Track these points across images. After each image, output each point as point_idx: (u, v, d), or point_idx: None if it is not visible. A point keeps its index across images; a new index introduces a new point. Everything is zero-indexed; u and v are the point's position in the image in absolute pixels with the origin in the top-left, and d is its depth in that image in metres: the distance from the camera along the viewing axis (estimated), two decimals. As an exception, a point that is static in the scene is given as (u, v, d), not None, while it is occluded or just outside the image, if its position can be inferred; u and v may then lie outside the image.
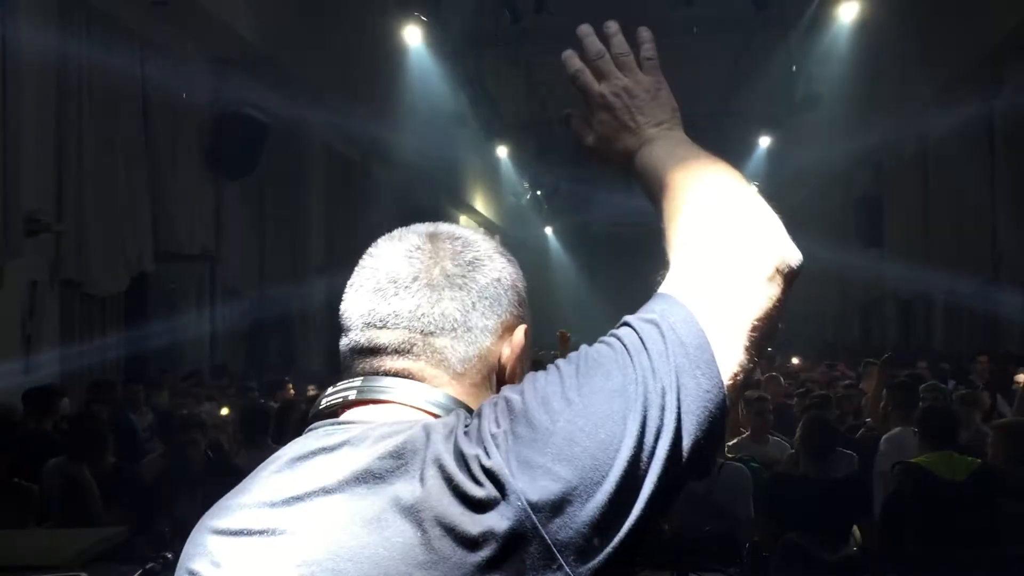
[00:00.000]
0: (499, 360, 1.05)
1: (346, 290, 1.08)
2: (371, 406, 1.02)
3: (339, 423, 1.02)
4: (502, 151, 21.70)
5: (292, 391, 9.28)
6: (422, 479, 0.89)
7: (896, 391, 6.13)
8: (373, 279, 1.05)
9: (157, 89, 10.53)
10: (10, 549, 3.57)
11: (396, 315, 1.02)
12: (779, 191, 27.34)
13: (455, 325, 1.02)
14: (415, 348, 1.01)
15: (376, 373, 1.03)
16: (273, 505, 0.97)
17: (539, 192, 28.67)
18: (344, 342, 1.07)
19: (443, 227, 1.10)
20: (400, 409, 1.01)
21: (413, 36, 14.34)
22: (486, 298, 1.04)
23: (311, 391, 8.68)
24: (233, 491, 1.05)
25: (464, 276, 1.03)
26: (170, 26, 10.88)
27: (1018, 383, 7.62)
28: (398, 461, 0.91)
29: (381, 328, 1.02)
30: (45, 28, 8.70)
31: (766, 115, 19.57)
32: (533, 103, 22.14)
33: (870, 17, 14.05)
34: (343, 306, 1.07)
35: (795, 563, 3.32)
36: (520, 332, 1.07)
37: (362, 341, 1.04)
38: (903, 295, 17.73)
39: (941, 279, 14.78)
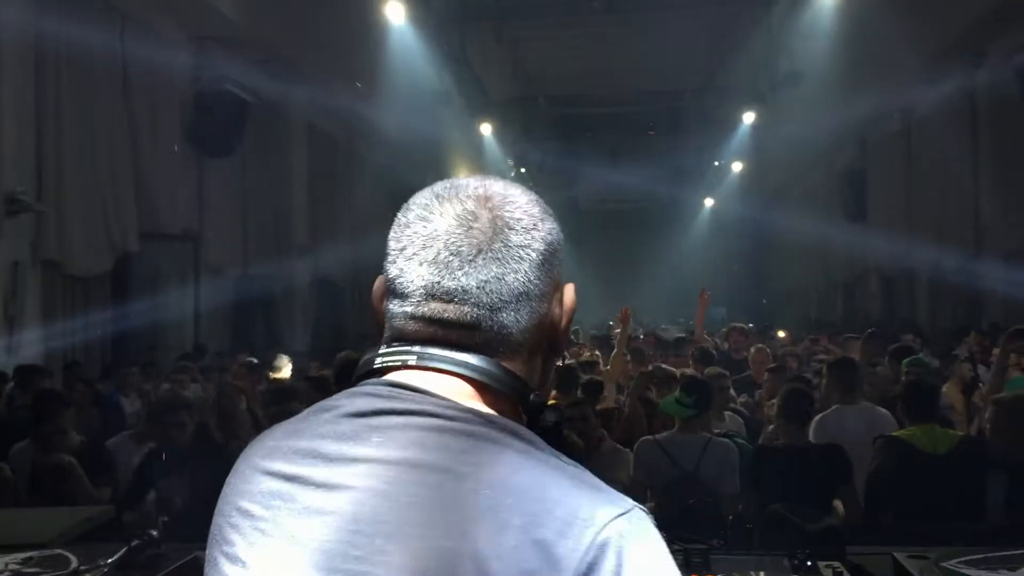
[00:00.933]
0: (551, 321, 1.07)
1: (394, 250, 1.07)
2: (430, 373, 1.03)
3: (400, 386, 1.03)
4: (487, 128, 21.62)
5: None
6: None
7: (833, 368, 5.94)
8: (432, 248, 1.03)
9: (138, 67, 10.43)
10: (-7, 529, 3.56)
11: (464, 290, 1.02)
12: (763, 167, 27.46)
13: (518, 297, 1.03)
14: (483, 323, 1.02)
15: (436, 342, 1.04)
16: (331, 460, 0.99)
17: (524, 169, 28.61)
18: (401, 309, 1.05)
19: (494, 187, 1.08)
20: (457, 382, 1.03)
21: (396, 12, 14.24)
22: (543, 264, 1.05)
23: (315, 370, 8.61)
24: (281, 432, 1.07)
25: (524, 246, 1.04)
26: (150, 3, 10.77)
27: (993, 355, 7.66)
28: (461, 467, 0.95)
29: (449, 303, 1.02)
30: (23, 4, 8.59)
31: (750, 91, 19.56)
32: (518, 80, 22.05)
33: (853, -9, 14.05)
34: (396, 269, 1.05)
35: (777, 533, 3.35)
36: (570, 291, 1.10)
37: (426, 312, 1.03)
38: (886, 271, 17.81)
39: (925, 253, 14.85)
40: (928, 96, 14.55)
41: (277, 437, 1.06)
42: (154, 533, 3.15)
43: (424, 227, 1.04)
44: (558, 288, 1.08)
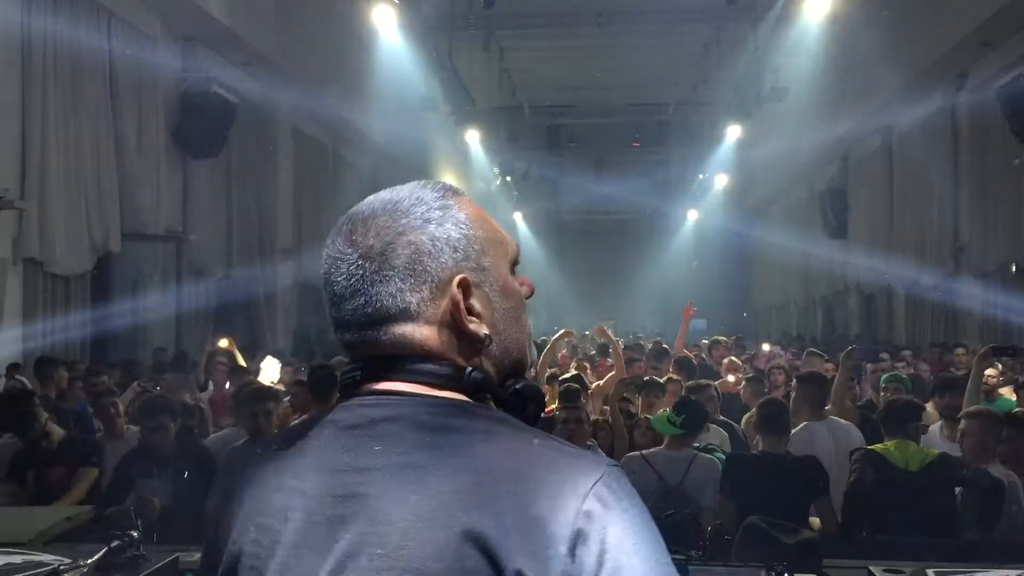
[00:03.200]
0: (445, 313, 1.16)
1: (333, 260, 1.19)
2: (379, 383, 1.15)
3: (376, 393, 1.15)
4: (472, 136, 21.67)
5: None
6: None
7: (804, 383, 5.91)
8: (329, 289, 1.18)
9: (124, 67, 10.41)
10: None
11: (348, 322, 1.16)
12: (746, 181, 27.64)
13: (390, 313, 1.14)
14: (368, 340, 1.16)
15: (368, 358, 1.17)
16: (341, 472, 1.08)
17: (509, 178, 28.67)
18: (337, 335, 1.20)
19: (360, 214, 1.19)
20: (400, 384, 1.14)
21: (384, 19, 14.26)
22: (410, 274, 1.14)
23: (293, 372, 8.62)
24: (288, 451, 1.15)
25: (382, 269, 1.14)
26: (138, 2, 10.76)
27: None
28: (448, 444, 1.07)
29: (343, 331, 1.17)
30: (10, 2, 8.57)
31: (735, 106, 19.69)
32: (504, 89, 22.11)
33: (838, 11, 14.19)
34: (325, 296, 1.20)
35: (754, 546, 3.38)
36: (454, 284, 1.15)
37: (341, 338, 1.19)
38: (866, 287, 17.96)
39: (904, 271, 14.99)
40: (910, 116, 14.71)
41: (284, 456, 1.14)
42: (134, 534, 3.16)
43: (334, 272, 1.17)
44: (449, 281, 1.15)
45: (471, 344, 1.16)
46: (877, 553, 3.47)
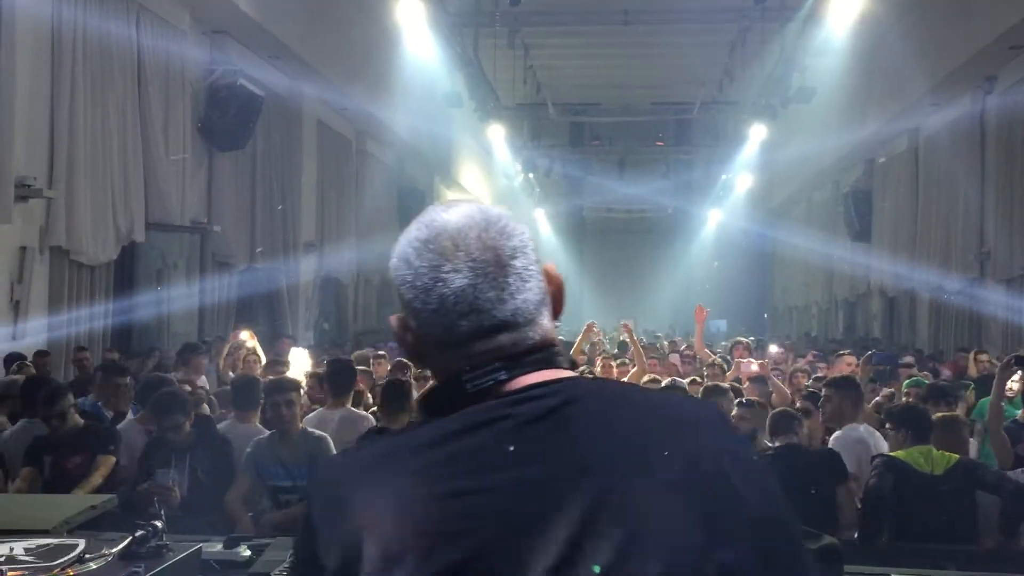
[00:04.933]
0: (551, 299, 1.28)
1: (421, 309, 1.21)
2: (530, 376, 1.19)
3: (531, 386, 1.18)
4: (496, 132, 21.66)
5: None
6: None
7: (840, 387, 5.83)
8: (465, 302, 1.19)
9: (152, 58, 10.48)
10: (-4, 513, 3.58)
11: (504, 322, 1.20)
12: (770, 182, 27.50)
13: (539, 304, 1.23)
14: (528, 336, 1.21)
15: (510, 356, 1.20)
16: (537, 463, 1.11)
17: (531, 175, 28.65)
18: (454, 352, 1.20)
19: (475, 223, 1.22)
20: (551, 372, 1.20)
21: (410, 14, 14.28)
22: (537, 267, 1.25)
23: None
24: (457, 449, 1.14)
25: (527, 266, 1.23)
26: (167, -5, 10.83)
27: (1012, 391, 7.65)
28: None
29: (496, 334, 1.20)
30: (41, -8, 8.64)
31: (760, 106, 19.59)
32: (529, 86, 22.09)
33: (867, 13, 14.08)
34: (433, 327, 1.21)
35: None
36: (551, 267, 1.28)
37: (482, 347, 1.20)
38: (889, 291, 17.84)
39: (928, 276, 14.88)
40: (937, 118, 14.59)
41: (455, 458, 1.13)
42: (158, 524, 3.18)
43: (446, 287, 1.19)
44: (543, 271, 1.26)
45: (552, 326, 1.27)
46: (899, 560, 3.45)
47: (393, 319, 1.27)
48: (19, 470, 5.19)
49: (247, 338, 8.70)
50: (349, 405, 5.84)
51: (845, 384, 5.89)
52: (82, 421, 5.31)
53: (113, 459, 5.11)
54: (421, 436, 1.17)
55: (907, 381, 7.14)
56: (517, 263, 1.21)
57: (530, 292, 1.21)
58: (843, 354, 9.25)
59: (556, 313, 1.27)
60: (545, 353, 1.21)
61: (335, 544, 1.13)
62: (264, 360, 8.38)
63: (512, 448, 1.11)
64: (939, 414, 5.20)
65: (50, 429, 5.18)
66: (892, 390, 7.54)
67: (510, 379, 1.18)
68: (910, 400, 6.32)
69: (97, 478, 4.98)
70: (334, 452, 4.94)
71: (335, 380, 5.94)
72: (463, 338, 1.19)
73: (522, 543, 1.07)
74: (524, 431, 1.12)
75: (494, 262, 1.19)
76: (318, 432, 5.07)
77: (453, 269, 1.19)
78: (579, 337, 9.52)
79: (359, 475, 1.17)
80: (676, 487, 1.08)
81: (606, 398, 1.18)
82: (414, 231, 1.25)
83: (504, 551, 1.07)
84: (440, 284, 1.19)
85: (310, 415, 5.95)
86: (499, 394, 1.17)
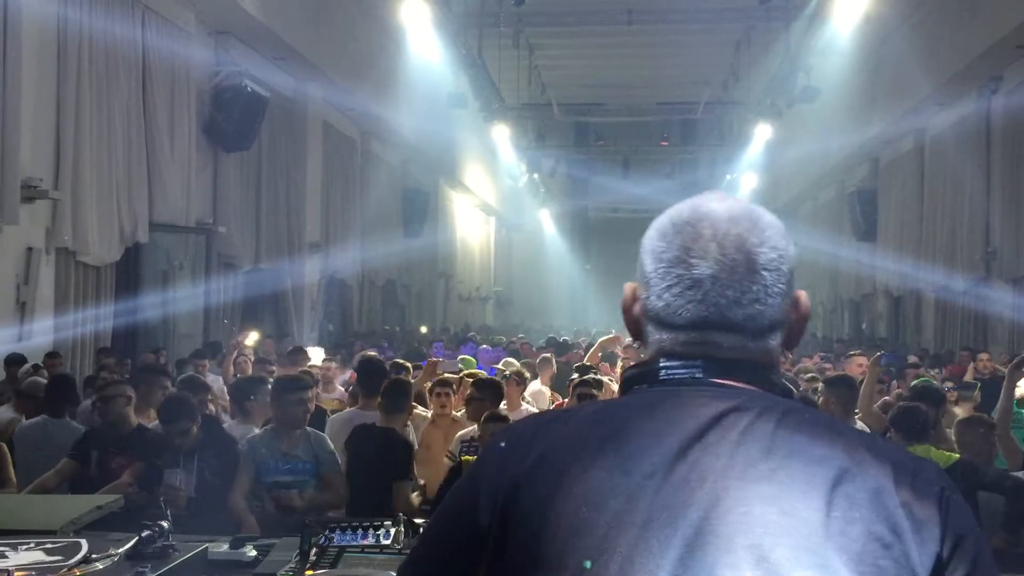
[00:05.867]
0: (789, 326, 1.24)
1: (657, 285, 1.20)
2: (724, 380, 1.18)
3: (718, 386, 1.17)
4: (500, 133, 21.68)
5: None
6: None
7: (832, 386, 5.91)
8: (699, 290, 1.18)
9: (157, 59, 10.50)
10: (2, 513, 3.60)
11: (733, 323, 1.18)
12: (775, 182, 27.47)
13: (774, 323, 1.20)
14: (748, 346, 1.19)
15: (715, 359, 1.19)
16: (741, 459, 1.09)
17: (536, 175, 28.66)
18: (669, 335, 1.20)
19: (744, 225, 1.21)
20: (748, 385, 1.18)
21: (414, 15, 14.30)
22: (788, 292, 1.22)
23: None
24: (642, 433, 1.13)
25: (776, 283, 1.19)
26: (172, -4, 10.85)
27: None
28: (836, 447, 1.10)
29: (717, 331, 1.18)
30: (47, -6, 8.66)
31: (765, 105, 19.58)
32: (533, 86, 22.11)
33: (872, 12, 14.06)
34: (661, 303, 1.20)
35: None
36: (805, 297, 1.25)
37: (697, 338, 1.19)
38: (894, 291, 17.81)
39: (933, 275, 14.86)
40: (942, 118, 14.57)
41: (624, 446, 1.12)
42: (164, 524, 3.19)
43: (687, 270, 1.18)
44: (797, 296, 1.24)
45: (781, 357, 1.24)
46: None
47: (628, 286, 1.27)
48: (30, 464, 5.22)
49: (251, 340, 8.76)
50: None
51: (838, 383, 5.91)
52: (136, 422, 5.34)
53: (141, 464, 5.12)
54: (605, 409, 1.21)
55: (915, 382, 7.13)
56: (768, 276, 1.18)
57: (770, 308, 1.18)
58: (854, 355, 9.24)
59: (790, 343, 1.24)
60: (755, 367, 1.18)
61: (491, 495, 1.15)
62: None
63: (677, 445, 1.10)
64: (963, 415, 5.21)
65: (105, 426, 5.22)
66: (900, 390, 7.53)
67: (706, 379, 1.17)
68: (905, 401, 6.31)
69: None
70: (333, 450, 4.99)
71: (369, 380, 5.96)
72: (684, 324, 1.18)
73: (647, 537, 1.06)
74: (687, 422, 1.12)
75: (745, 264, 1.18)
76: (317, 432, 5.11)
77: (702, 256, 1.18)
78: (599, 341, 9.36)
79: (536, 430, 1.19)
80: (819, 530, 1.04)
81: (791, 421, 1.12)
82: (679, 208, 1.24)
83: (631, 541, 1.06)
84: (683, 265, 1.18)
85: (341, 414, 5.97)
86: (693, 384, 1.17)
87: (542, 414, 1.29)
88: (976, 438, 4.93)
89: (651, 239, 1.23)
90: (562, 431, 1.17)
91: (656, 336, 1.21)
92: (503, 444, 1.19)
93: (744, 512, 1.05)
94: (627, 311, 1.26)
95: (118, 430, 5.16)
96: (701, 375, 1.17)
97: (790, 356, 11.91)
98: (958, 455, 4.78)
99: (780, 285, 1.19)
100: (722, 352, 1.18)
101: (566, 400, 7.41)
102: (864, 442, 1.12)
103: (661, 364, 1.19)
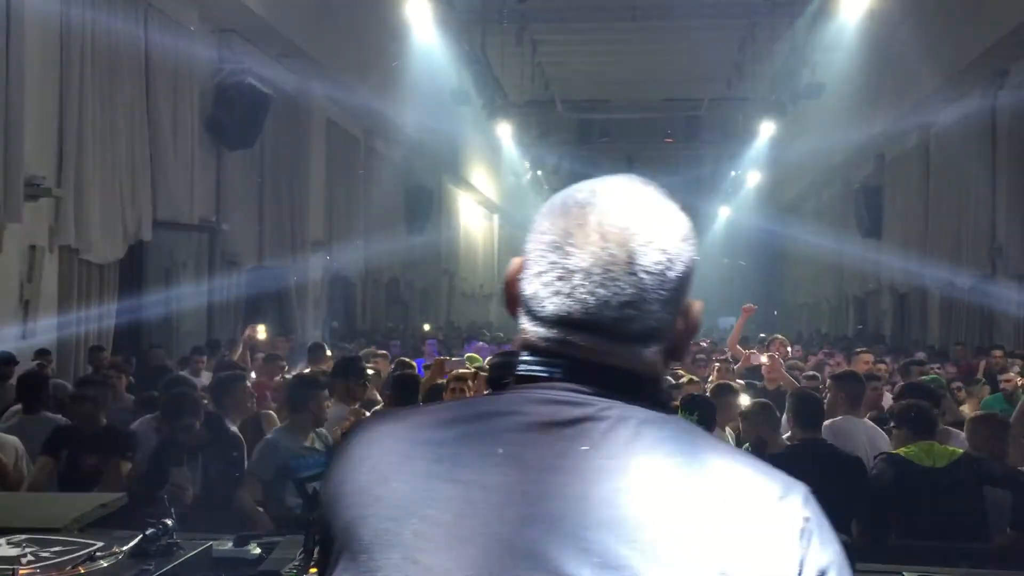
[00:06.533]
0: (674, 336, 1.11)
1: (530, 271, 1.09)
2: (582, 385, 1.06)
3: (579, 391, 1.05)
4: (504, 130, 21.66)
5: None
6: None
7: (840, 380, 6.00)
8: (568, 282, 1.06)
9: (160, 56, 10.49)
10: (5, 511, 3.59)
11: (598, 324, 1.05)
12: (780, 179, 27.43)
13: (650, 333, 1.07)
14: (613, 352, 1.06)
15: (577, 360, 1.07)
16: (533, 468, 1.00)
17: (540, 172, 28.64)
18: (534, 328, 1.09)
19: (637, 221, 1.09)
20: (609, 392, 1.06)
21: (417, 12, 14.28)
22: (673, 301, 1.08)
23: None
24: (447, 435, 1.05)
25: (658, 288, 1.06)
26: (175, -6, 10.84)
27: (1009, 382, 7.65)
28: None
29: (581, 332, 1.06)
30: (50, -9, 8.65)
31: (770, 102, 19.53)
32: (536, 82, 22.07)
33: (876, 8, 14.02)
34: (531, 290, 1.09)
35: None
36: (697, 309, 1.13)
37: (561, 336, 1.07)
38: (900, 287, 17.77)
39: (939, 272, 14.82)
40: (948, 114, 14.52)
41: (441, 441, 1.04)
42: (168, 522, 3.18)
43: (561, 258, 1.07)
44: (688, 305, 1.12)
45: (663, 373, 1.13)
46: (910, 558, 3.43)
47: (516, 260, 1.13)
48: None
49: (263, 335, 8.79)
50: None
51: (845, 378, 5.93)
52: (104, 421, 5.36)
53: (128, 464, 5.13)
54: (446, 410, 1.10)
55: (923, 379, 7.11)
56: (648, 279, 1.05)
57: (645, 315, 1.05)
58: (860, 352, 9.22)
59: (675, 355, 1.12)
60: (622, 376, 1.06)
61: (339, 506, 1.06)
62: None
63: (501, 450, 1.01)
64: (976, 412, 5.19)
65: (76, 423, 5.24)
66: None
67: (563, 379, 1.06)
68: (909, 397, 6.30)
69: (111, 483, 5.00)
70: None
71: (405, 391, 5.95)
72: (547, 317, 1.07)
73: (451, 548, 0.98)
74: (532, 432, 1.02)
75: (624, 262, 1.05)
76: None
77: (581, 245, 1.06)
78: None
79: (376, 434, 1.09)
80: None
81: (647, 437, 1.01)
82: (580, 187, 1.13)
83: (436, 549, 0.98)
84: (558, 252, 1.07)
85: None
86: (548, 387, 1.06)
87: (386, 413, 1.16)
88: (988, 436, 4.89)
89: (539, 215, 1.12)
90: (398, 432, 1.08)
91: (523, 324, 1.10)
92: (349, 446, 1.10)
93: (579, 538, 0.95)
94: (509, 285, 1.13)
95: (88, 428, 5.18)
96: (560, 376, 1.06)
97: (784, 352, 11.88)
98: (961, 451, 4.75)
99: (662, 291, 1.06)
100: (584, 354, 1.06)
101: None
102: (728, 459, 1.02)
103: (521, 358, 1.10)
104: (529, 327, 1.09)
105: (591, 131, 26.50)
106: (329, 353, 8.98)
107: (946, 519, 4.40)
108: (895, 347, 14.71)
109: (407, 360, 7.82)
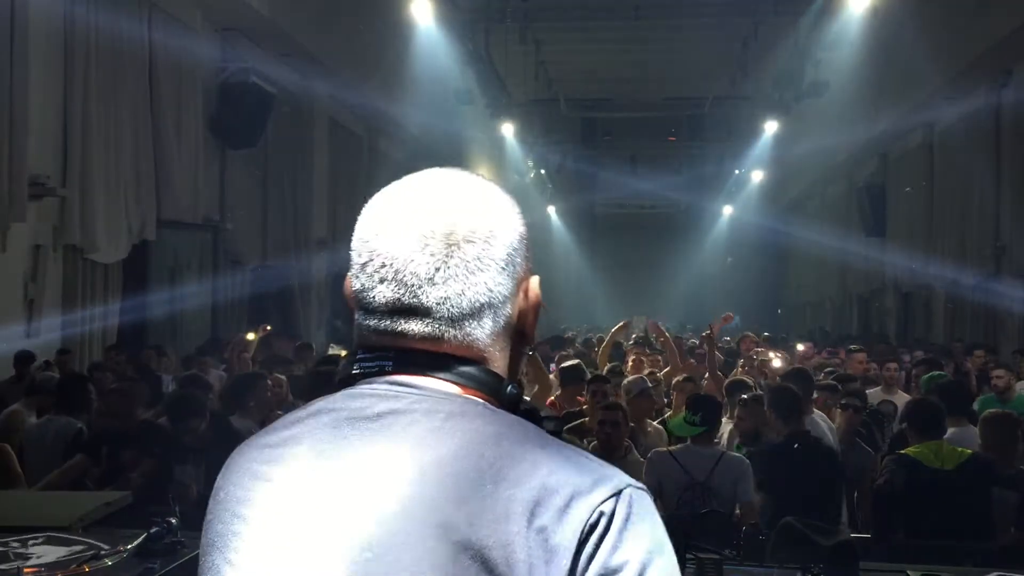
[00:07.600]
0: (517, 316, 1.09)
1: (355, 263, 1.09)
2: (413, 377, 1.05)
3: (397, 384, 1.05)
4: (507, 129, 21.63)
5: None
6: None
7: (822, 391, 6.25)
8: (391, 268, 1.05)
9: (164, 56, 10.50)
10: (11, 510, 3.60)
11: (425, 308, 1.04)
12: (783, 177, 27.38)
13: (481, 308, 1.05)
14: (446, 336, 1.04)
15: (405, 352, 1.06)
16: (341, 466, 1.00)
17: (543, 171, 28.61)
18: (367, 322, 1.08)
19: (447, 196, 1.09)
20: (438, 382, 1.05)
21: (421, 11, 14.27)
22: (504, 269, 1.06)
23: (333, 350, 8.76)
24: (277, 436, 1.07)
25: (481, 258, 1.04)
26: (179, -7, 10.85)
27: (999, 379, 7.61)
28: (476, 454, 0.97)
29: (411, 318, 1.04)
30: (53, -9, 8.67)
31: (773, 100, 19.50)
32: (540, 82, 22.05)
33: (880, 6, 13.99)
34: (359, 284, 1.08)
35: (790, 546, 3.35)
36: (535, 283, 1.11)
37: (391, 327, 1.06)
38: (904, 286, 17.75)
39: (943, 271, 14.80)
40: (952, 112, 14.49)
41: (274, 443, 1.07)
42: (173, 521, 3.19)
43: (382, 244, 1.06)
44: (524, 280, 1.10)
45: (516, 355, 1.10)
46: (914, 556, 3.43)
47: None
48: (42, 462, 5.22)
49: (253, 338, 8.82)
50: None
51: (795, 377, 6.04)
52: (142, 417, 5.39)
53: (153, 463, 5.13)
54: (300, 410, 1.10)
55: (924, 378, 7.10)
56: (470, 249, 1.03)
57: (473, 287, 1.03)
58: (854, 350, 9.21)
59: (523, 336, 1.09)
60: (450, 361, 1.04)
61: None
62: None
63: (309, 447, 1.02)
64: (990, 411, 5.22)
65: (118, 423, 5.27)
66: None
67: (394, 373, 1.05)
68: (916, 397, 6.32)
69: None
70: None
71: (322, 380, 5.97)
72: (378, 308, 1.05)
73: (256, 547, 1.00)
74: (342, 428, 1.02)
75: (443, 237, 1.03)
76: None
77: (398, 228, 1.05)
78: (606, 340, 9.29)
79: (238, 452, 1.11)
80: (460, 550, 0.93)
81: (449, 429, 0.99)
82: (398, 181, 1.15)
83: (246, 548, 1.01)
84: (377, 239, 1.06)
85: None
86: (376, 381, 1.06)
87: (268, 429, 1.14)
88: (1002, 435, 4.89)
89: (362, 212, 1.11)
90: (256, 437, 1.11)
91: (357, 319, 1.09)
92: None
93: (352, 538, 0.96)
94: (345, 297, 1.12)
95: (126, 425, 5.18)
96: (391, 368, 1.05)
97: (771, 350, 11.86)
98: (970, 451, 4.75)
99: (488, 260, 1.04)
100: (413, 343, 1.04)
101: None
102: (532, 456, 0.96)
103: (356, 356, 1.08)
104: (363, 322, 1.08)
105: (594, 130, 26.45)
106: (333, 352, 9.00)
107: (952, 521, 4.40)
108: (900, 345, 14.68)
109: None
